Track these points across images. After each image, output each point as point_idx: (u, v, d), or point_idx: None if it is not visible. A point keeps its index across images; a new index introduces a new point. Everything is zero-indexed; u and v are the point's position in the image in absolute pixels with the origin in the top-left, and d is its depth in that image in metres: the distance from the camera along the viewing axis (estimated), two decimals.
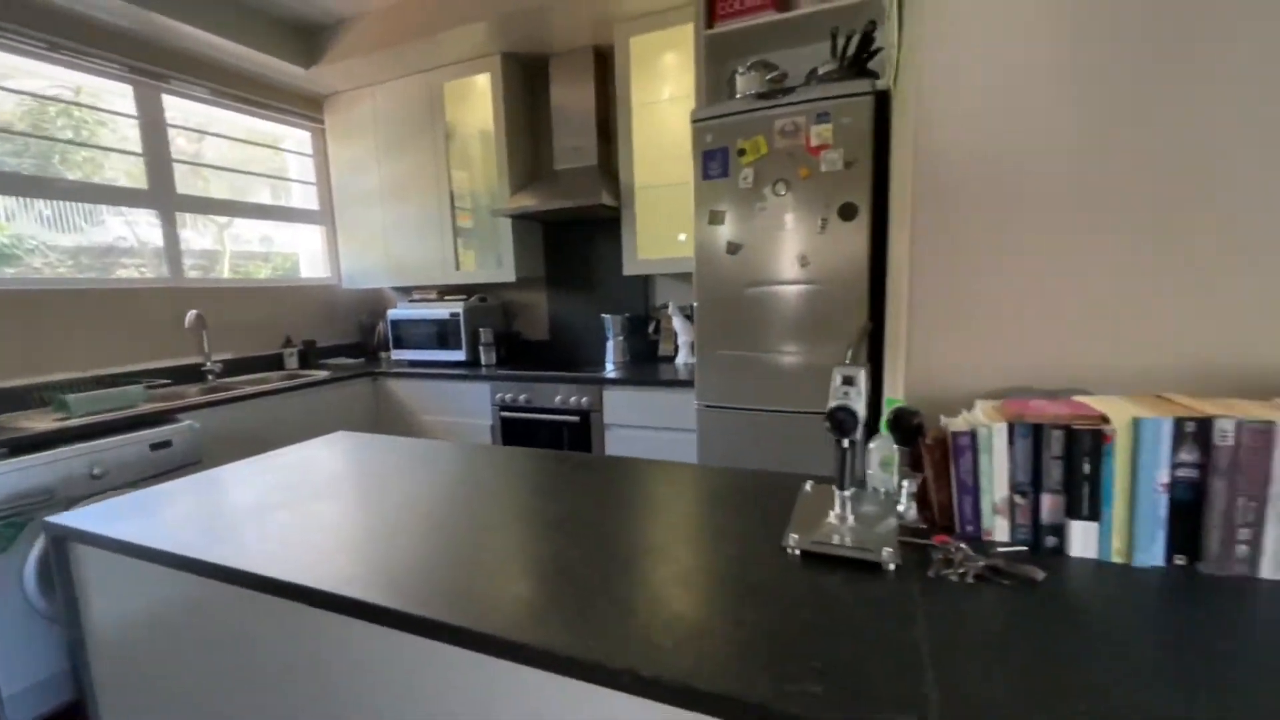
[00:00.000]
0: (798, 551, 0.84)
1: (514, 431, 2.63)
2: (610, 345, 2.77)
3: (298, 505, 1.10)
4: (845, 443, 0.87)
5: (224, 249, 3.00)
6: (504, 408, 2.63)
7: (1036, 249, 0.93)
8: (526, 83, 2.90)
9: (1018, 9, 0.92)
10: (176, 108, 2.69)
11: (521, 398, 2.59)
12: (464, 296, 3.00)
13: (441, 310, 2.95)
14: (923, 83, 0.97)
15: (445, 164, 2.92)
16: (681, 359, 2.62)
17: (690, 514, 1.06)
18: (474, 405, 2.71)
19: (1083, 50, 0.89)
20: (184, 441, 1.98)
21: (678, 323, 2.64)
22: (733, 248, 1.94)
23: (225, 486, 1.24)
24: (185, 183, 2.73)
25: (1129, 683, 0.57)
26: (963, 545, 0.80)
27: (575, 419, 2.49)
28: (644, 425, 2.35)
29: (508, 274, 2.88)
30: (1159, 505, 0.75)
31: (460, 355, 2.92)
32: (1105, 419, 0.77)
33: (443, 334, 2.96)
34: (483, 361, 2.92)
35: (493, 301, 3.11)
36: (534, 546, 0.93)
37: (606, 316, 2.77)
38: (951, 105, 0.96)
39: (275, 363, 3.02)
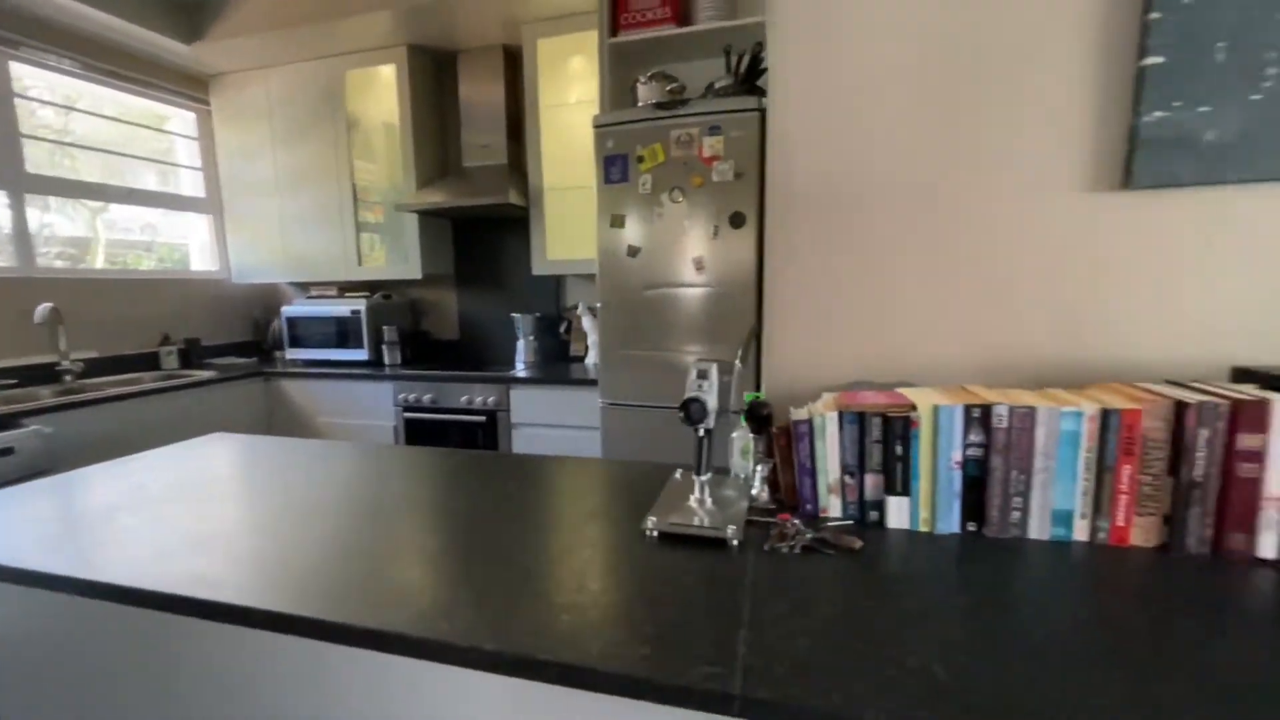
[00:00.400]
0: (655, 533, 0.90)
1: (418, 432, 2.57)
2: (521, 345, 2.77)
3: (151, 509, 1.04)
4: (700, 431, 0.95)
5: (97, 236, 2.73)
6: (408, 408, 2.57)
7: (868, 261, 1.05)
8: (434, 76, 2.85)
9: (851, 58, 1.03)
10: (39, 79, 2.43)
11: (426, 398, 2.53)
12: (367, 294, 2.89)
13: (342, 307, 2.83)
14: (775, 114, 1.07)
15: (347, 155, 2.81)
16: (592, 359, 2.67)
17: (568, 504, 1.10)
18: (376, 406, 2.62)
19: (901, 99, 1.01)
20: (31, 448, 1.80)
21: (587, 323, 2.68)
22: (633, 250, 2.01)
23: (66, 492, 1.15)
24: (50, 161, 2.46)
25: (918, 627, 0.66)
26: (796, 521, 0.89)
27: (482, 419, 2.47)
28: (551, 424, 2.38)
29: (414, 271, 2.81)
30: (954, 480, 0.87)
31: (362, 354, 2.82)
32: (914, 407, 0.89)
33: (343, 332, 2.84)
34: (386, 361, 2.82)
35: (399, 299, 3.02)
36: (411, 540, 0.94)
37: (517, 316, 2.77)
38: (799, 134, 1.06)
39: (151, 362, 2.78)
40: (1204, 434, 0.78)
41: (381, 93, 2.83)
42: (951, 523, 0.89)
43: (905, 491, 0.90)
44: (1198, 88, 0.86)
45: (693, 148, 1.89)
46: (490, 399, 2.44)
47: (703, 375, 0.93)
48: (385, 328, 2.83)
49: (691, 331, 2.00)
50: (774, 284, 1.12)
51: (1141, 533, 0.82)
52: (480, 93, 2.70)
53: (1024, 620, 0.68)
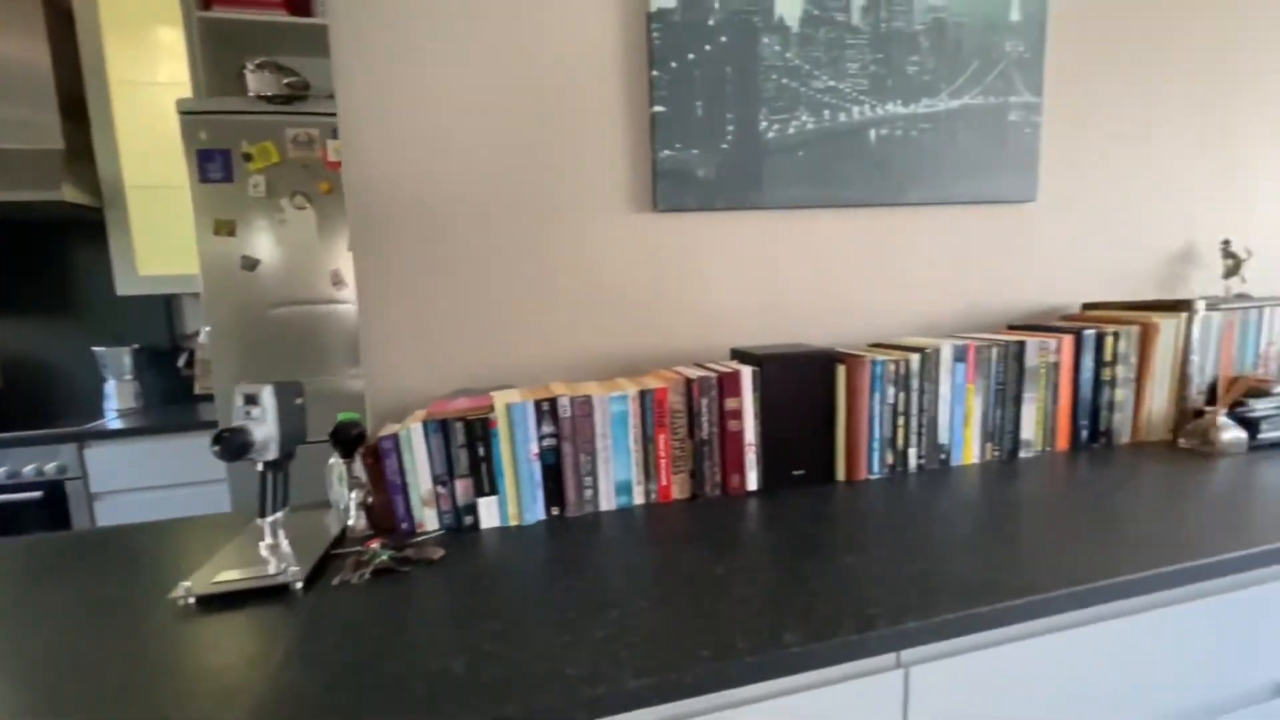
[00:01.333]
0: (191, 600, 0.74)
1: None
2: (111, 388, 2.12)
3: None
4: (260, 466, 0.82)
5: None
6: None
7: (460, 274, 1.08)
8: None
9: (428, 87, 1.04)
10: None
11: None
12: None
13: None
14: (345, 126, 1.01)
15: None
16: None
17: (95, 587, 0.83)
18: None
19: (477, 131, 1.05)
20: None
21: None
22: (250, 263, 1.71)
23: None
24: None
25: (466, 626, 0.66)
26: (376, 545, 0.84)
27: (37, 494, 1.79)
28: (156, 485, 1.86)
29: None
30: (534, 471, 0.94)
31: None
32: (492, 408, 0.92)
33: None
34: None
35: None
36: None
37: (101, 350, 2.11)
38: (374, 150, 1.02)
39: None
40: (705, 402, 0.99)
41: None
42: (537, 511, 0.95)
43: (494, 491, 0.93)
44: (688, 134, 1.11)
45: (314, 150, 1.70)
46: (50, 465, 1.79)
47: (252, 400, 0.80)
48: None
49: (339, 353, 1.80)
50: (365, 300, 1.06)
51: (679, 488, 1.01)
52: (7, 51, 1.98)
53: (571, 588, 0.74)
